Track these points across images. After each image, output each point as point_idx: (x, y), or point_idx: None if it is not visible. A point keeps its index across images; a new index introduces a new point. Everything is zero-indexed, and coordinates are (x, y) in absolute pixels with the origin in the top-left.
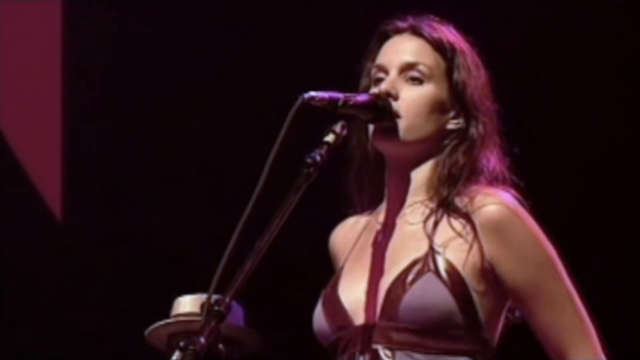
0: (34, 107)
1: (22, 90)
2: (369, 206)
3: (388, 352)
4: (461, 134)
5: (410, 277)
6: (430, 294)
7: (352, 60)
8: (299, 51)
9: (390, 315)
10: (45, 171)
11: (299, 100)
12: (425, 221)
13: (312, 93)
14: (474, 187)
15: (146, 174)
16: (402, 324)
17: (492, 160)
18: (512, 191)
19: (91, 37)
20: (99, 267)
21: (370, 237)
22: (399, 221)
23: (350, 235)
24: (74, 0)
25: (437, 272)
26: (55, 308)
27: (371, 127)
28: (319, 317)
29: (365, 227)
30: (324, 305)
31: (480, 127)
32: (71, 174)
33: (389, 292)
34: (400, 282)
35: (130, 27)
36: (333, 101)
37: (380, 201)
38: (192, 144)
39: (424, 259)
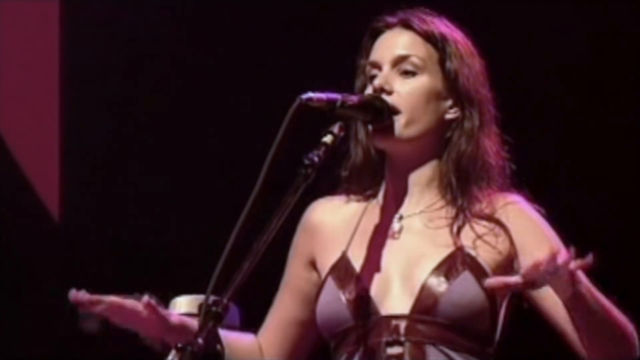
0: (32, 108)
1: (20, 90)
2: (358, 193)
3: (420, 346)
4: (460, 124)
5: (448, 273)
6: (471, 291)
7: (351, 61)
8: (296, 52)
9: (427, 308)
10: (43, 172)
11: (297, 102)
12: (447, 223)
13: (310, 94)
14: (488, 192)
15: (144, 174)
16: (437, 319)
17: (495, 149)
18: (525, 195)
19: (89, 38)
20: (96, 268)
21: (374, 225)
22: (413, 217)
23: (339, 215)
24: (72, 1)
25: (472, 270)
26: (52, 309)
27: (370, 127)
28: (336, 304)
29: (364, 213)
30: (344, 292)
31: (476, 115)
32: (69, 174)
33: (426, 285)
34: (437, 276)
35: (128, 27)
36: (331, 102)
37: (373, 188)
38: (190, 144)
39: (459, 257)
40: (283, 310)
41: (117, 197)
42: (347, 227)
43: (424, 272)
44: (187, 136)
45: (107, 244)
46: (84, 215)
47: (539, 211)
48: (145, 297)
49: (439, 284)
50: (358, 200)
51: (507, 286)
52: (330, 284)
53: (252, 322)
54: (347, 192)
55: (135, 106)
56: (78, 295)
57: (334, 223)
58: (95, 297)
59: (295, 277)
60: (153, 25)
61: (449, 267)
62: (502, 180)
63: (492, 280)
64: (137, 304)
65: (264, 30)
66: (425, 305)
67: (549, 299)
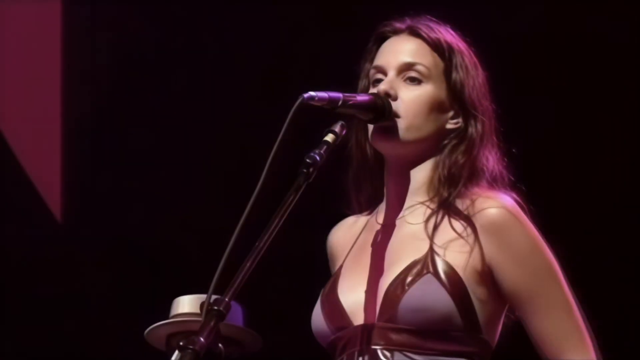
0: (34, 109)
1: (23, 91)
2: (368, 207)
3: (387, 353)
4: (460, 133)
5: (409, 278)
6: (429, 295)
7: (352, 61)
8: (298, 51)
9: (389, 316)
10: (46, 172)
11: (299, 100)
12: (425, 222)
13: (312, 93)
14: (475, 190)
15: (146, 175)
16: (400, 325)
17: (491, 159)
18: (514, 195)
19: (91, 39)
20: (98, 268)
21: (369, 238)
22: (399, 222)
23: (349, 234)
24: (73, 2)
25: (436, 273)
26: (54, 309)
27: (370, 127)
28: (317, 318)
29: (365, 227)
30: (323, 306)
31: (479, 126)
32: (71, 175)
33: (388, 292)
34: (398, 283)
35: (130, 28)
36: (332, 101)
37: (379, 201)
38: (191, 144)
39: (424, 260)
40: None
41: (119, 198)
42: (350, 244)
43: (389, 280)
44: (188, 136)
45: (108, 245)
46: (86, 216)
47: (525, 210)
48: None
49: (397, 291)
50: (365, 216)
51: None
52: (318, 300)
53: (254, 321)
54: (360, 210)
55: (136, 106)
56: None
57: (344, 242)
58: None
59: None
60: (154, 25)
61: (412, 272)
62: (496, 184)
63: None
64: None
65: (266, 30)
66: (388, 312)
67: (534, 320)
